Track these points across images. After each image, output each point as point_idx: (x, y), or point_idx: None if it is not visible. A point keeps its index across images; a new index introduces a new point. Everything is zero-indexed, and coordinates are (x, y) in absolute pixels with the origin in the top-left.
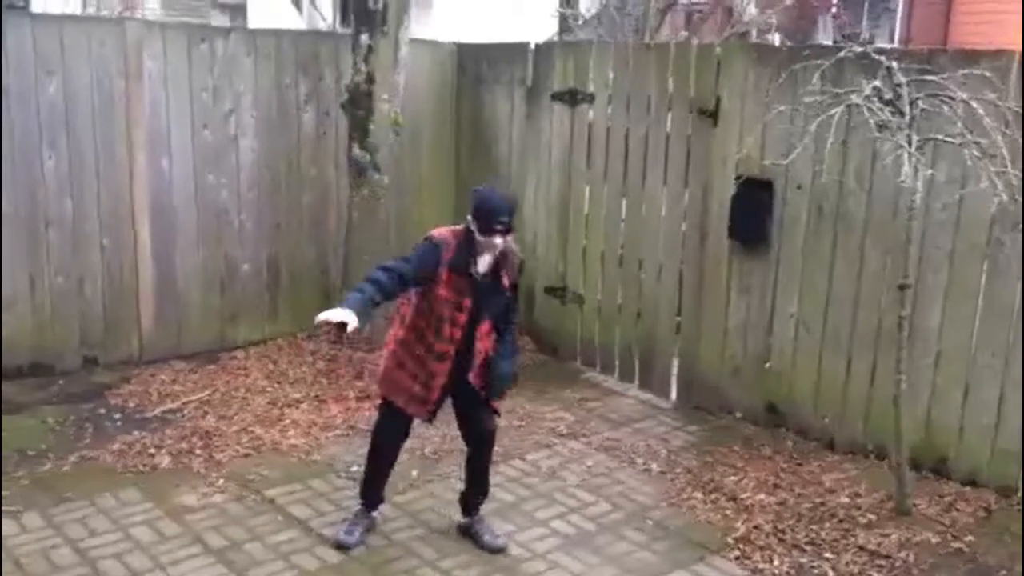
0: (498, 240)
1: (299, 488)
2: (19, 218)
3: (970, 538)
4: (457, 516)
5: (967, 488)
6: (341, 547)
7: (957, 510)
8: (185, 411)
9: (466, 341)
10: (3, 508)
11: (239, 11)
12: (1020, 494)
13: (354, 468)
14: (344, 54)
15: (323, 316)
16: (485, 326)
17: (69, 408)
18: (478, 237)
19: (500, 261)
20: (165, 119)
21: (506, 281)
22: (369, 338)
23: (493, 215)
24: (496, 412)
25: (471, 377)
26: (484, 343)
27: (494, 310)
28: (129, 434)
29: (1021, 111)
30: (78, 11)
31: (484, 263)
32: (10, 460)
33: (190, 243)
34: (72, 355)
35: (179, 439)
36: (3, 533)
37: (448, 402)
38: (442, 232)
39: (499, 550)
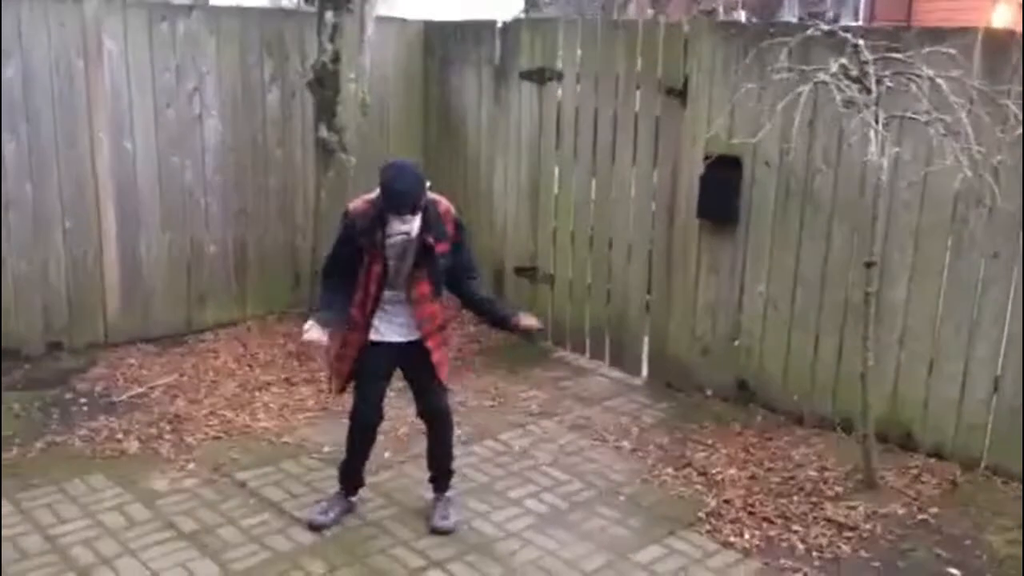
0: (406, 219)
1: (271, 471)
2: None
3: (935, 509)
4: (428, 494)
5: (932, 460)
6: (314, 527)
7: (923, 482)
8: (153, 395)
9: (395, 305)
10: None
11: None
12: (984, 465)
13: (326, 449)
14: (309, 33)
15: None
16: (421, 287)
17: (34, 394)
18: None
19: (424, 225)
20: (127, 99)
21: (437, 244)
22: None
23: (393, 204)
24: (443, 386)
25: (426, 341)
26: (427, 307)
27: (429, 273)
28: (96, 419)
29: (985, 88)
30: None
31: (396, 230)
32: None
33: (155, 225)
34: (36, 340)
35: (148, 423)
36: None
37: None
38: (356, 204)
39: (441, 531)
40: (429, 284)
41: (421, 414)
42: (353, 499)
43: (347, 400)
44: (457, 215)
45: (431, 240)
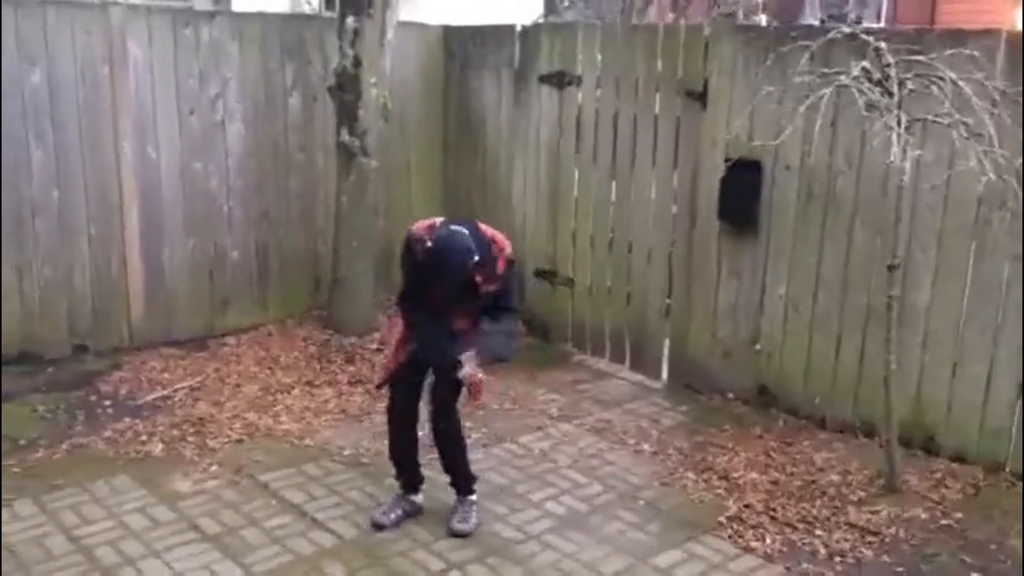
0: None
1: (292, 473)
2: (5, 209)
3: (959, 514)
4: (450, 498)
5: (956, 465)
6: (376, 526)
7: (946, 486)
8: (176, 398)
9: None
10: None
11: None
12: (1008, 469)
13: (347, 452)
14: (330, 38)
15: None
16: (460, 321)
17: (59, 396)
18: None
19: (477, 263)
20: (151, 106)
21: (485, 283)
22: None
23: (445, 274)
24: (453, 407)
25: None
26: (467, 337)
27: (470, 308)
28: (120, 421)
29: (1008, 91)
30: None
31: None
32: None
33: (178, 230)
34: (61, 343)
35: (171, 426)
36: None
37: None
38: (419, 227)
39: (458, 534)
40: (468, 318)
41: (432, 426)
42: (416, 498)
43: (359, 404)
44: (511, 255)
45: (479, 279)
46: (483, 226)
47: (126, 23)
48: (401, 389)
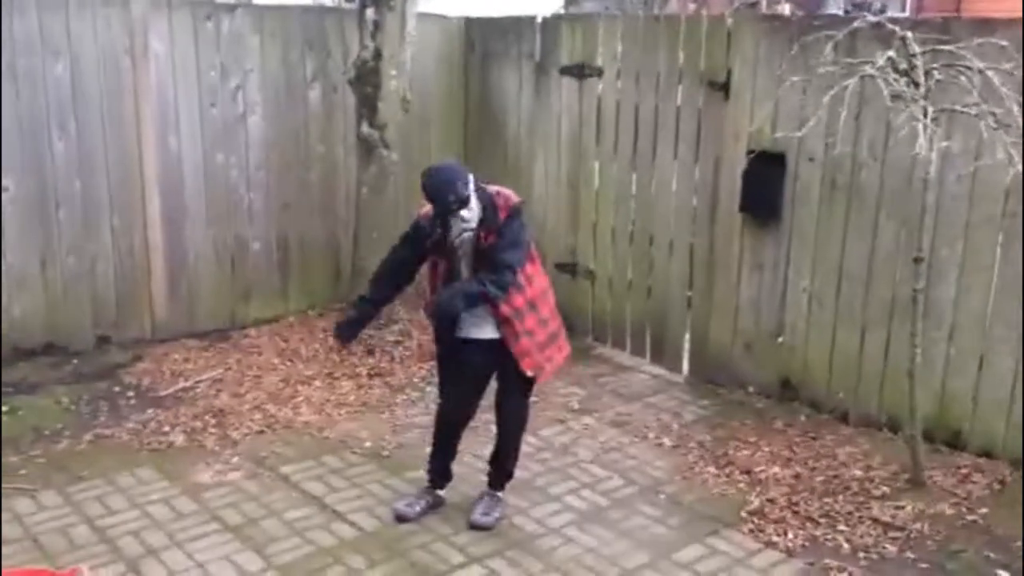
0: (462, 215)
1: (313, 465)
2: (29, 199)
3: (984, 510)
4: (470, 491)
5: (982, 460)
6: (400, 519)
7: (972, 482)
8: (198, 389)
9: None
10: (20, 487)
11: None
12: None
13: (367, 444)
14: (350, 30)
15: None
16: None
17: (83, 387)
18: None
19: (481, 218)
20: (173, 98)
21: (487, 237)
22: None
23: (436, 203)
24: (525, 393)
25: (502, 333)
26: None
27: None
28: (143, 412)
29: None
30: None
31: (459, 228)
32: (25, 439)
33: (200, 222)
34: (85, 335)
35: (193, 417)
36: (20, 511)
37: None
38: (423, 210)
39: (480, 527)
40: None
41: (496, 410)
42: (441, 493)
43: (379, 396)
44: (518, 205)
45: (483, 234)
46: (489, 184)
47: (147, 16)
48: (454, 390)
